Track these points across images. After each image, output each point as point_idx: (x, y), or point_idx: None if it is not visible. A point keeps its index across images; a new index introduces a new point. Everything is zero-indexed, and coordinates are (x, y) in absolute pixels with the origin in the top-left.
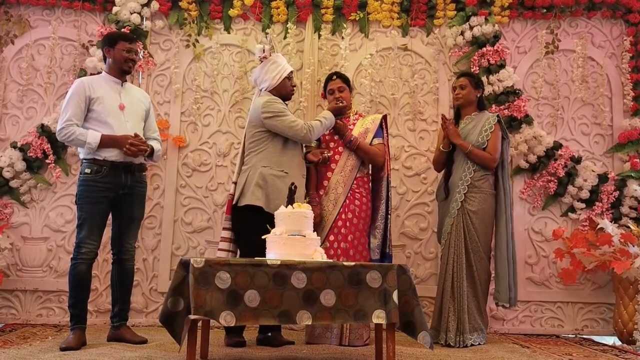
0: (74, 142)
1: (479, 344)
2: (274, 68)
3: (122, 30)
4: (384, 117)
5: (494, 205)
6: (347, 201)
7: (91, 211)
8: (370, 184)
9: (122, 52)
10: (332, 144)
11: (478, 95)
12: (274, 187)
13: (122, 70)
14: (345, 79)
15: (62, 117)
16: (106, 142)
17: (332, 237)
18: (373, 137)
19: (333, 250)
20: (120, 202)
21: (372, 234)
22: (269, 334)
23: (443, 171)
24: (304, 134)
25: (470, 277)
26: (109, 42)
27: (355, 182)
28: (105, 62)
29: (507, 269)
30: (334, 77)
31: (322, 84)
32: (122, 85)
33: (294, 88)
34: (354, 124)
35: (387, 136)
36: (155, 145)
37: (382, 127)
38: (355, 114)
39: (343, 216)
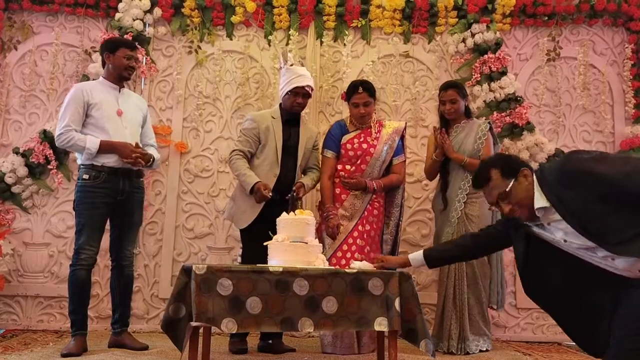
0: (72, 147)
1: (487, 349)
2: (281, 82)
3: (125, 36)
4: (405, 129)
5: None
6: (366, 213)
7: (90, 217)
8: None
9: (123, 59)
10: (354, 160)
11: (466, 104)
12: (240, 201)
13: (121, 77)
14: (371, 91)
15: (61, 123)
16: (105, 147)
17: (345, 247)
18: (393, 156)
19: (345, 260)
20: (119, 208)
21: (385, 240)
22: (270, 342)
23: (440, 182)
24: (228, 157)
25: (474, 283)
26: (109, 47)
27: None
28: (104, 67)
29: (497, 273)
30: (360, 89)
31: (324, 90)
32: (119, 91)
33: (299, 105)
34: (377, 138)
35: (405, 146)
36: (154, 153)
37: (403, 138)
38: (376, 122)
39: (360, 227)
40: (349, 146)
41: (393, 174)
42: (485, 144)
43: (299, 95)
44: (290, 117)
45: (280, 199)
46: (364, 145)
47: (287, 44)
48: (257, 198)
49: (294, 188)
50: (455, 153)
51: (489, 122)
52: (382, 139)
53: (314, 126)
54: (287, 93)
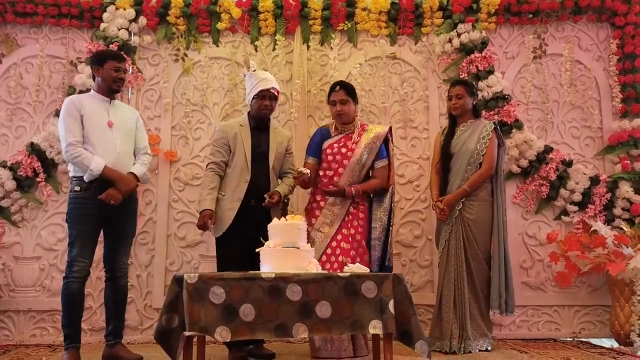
0: (78, 164)
1: (487, 349)
2: (247, 88)
3: (110, 46)
4: (390, 132)
5: (492, 213)
6: (350, 216)
7: (82, 229)
8: (371, 194)
9: (111, 71)
10: (334, 165)
11: (474, 102)
12: (217, 208)
13: (111, 89)
14: (349, 90)
15: (66, 136)
16: (106, 175)
17: (329, 251)
18: (375, 160)
19: (330, 264)
20: (111, 219)
21: (372, 246)
22: (251, 346)
23: (441, 178)
24: (203, 174)
25: (472, 283)
26: (97, 61)
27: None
28: (94, 80)
29: (499, 276)
30: (337, 87)
31: (312, 94)
32: (110, 103)
33: (267, 107)
34: (356, 142)
35: (393, 149)
36: (139, 167)
37: (387, 141)
38: (359, 127)
39: (344, 231)
40: (329, 151)
41: (374, 179)
42: (489, 145)
43: (266, 98)
44: (259, 124)
45: (256, 204)
46: (343, 150)
47: (273, 49)
48: (198, 223)
49: (265, 195)
50: (456, 198)
51: (494, 123)
52: (362, 143)
53: (287, 131)
54: (254, 97)
